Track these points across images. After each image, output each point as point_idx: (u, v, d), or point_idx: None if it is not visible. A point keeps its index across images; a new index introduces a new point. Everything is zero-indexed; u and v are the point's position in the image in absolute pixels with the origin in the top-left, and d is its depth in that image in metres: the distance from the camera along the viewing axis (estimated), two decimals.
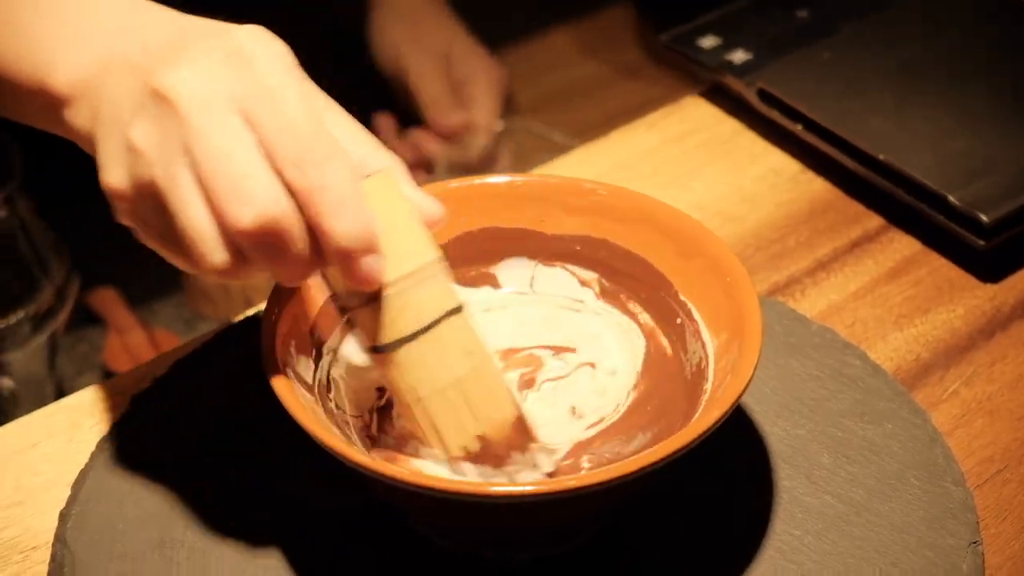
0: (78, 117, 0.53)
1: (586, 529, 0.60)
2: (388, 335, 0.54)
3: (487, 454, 0.57)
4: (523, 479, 0.58)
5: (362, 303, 0.54)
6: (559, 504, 0.52)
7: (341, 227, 0.48)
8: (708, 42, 0.96)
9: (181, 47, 0.50)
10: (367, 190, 0.50)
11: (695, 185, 0.88)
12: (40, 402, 0.71)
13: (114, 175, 0.51)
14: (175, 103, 0.48)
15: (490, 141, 1.28)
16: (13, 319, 0.88)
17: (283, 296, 0.60)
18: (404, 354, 0.55)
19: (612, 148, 0.92)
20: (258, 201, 0.47)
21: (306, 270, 0.51)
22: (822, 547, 0.60)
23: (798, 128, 0.88)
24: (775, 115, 0.90)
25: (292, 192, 0.48)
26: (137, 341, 1.10)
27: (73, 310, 0.99)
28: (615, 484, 0.50)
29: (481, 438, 0.57)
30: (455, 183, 0.69)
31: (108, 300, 1.14)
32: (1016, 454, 0.66)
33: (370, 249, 0.50)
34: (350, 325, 0.59)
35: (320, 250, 0.50)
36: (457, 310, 0.56)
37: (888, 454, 0.65)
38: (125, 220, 0.54)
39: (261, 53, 0.50)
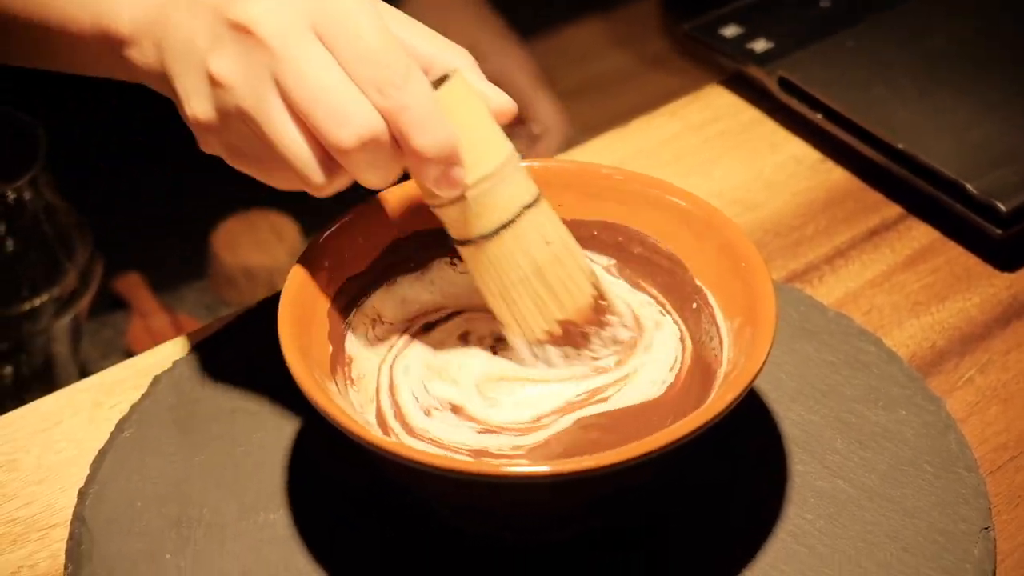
0: (143, 55, 0.55)
1: (598, 512, 0.60)
2: (473, 231, 0.58)
3: (568, 335, 0.61)
4: (604, 356, 0.62)
5: (448, 202, 0.57)
6: (568, 485, 0.53)
7: (426, 142, 0.51)
8: (730, 31, 0.96)
9: None
10: (444, 99, 0.53)
11: (715, 173, 0.88)
12: (64, 384, 0.72)
13: (200, 107, 0.53)
14: (256, 33, 0.50)
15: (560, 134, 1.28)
16: (37, 301, 0.88)
17: (302, 278, 0.60)
18: (488, 248, 0.59)
19: (633, 136, 0.92)
20: (356, 123, 0.50)
21: (396, 174, 0.55)
22: (834, 531, 0.60)
23: (818, 117, 0.88)
24: (795, 104, 0.90)
25: (377, 111, 0.51)
26: (160, 325, 1.11)
27: (97, 294, 0.99)
28: (626, 467, 0.51)
29: (562, 322, 0.60)
30: None
31: (132, 285, 1.15)
32: None
33: (453, 160, 0.53)
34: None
35: (407, 158, 0.53)
36: (534, 203, 0.59)
37: (901, 440, 0.65)
38: (212, 150, 0.56)
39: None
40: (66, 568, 0.59)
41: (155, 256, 1.15)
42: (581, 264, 0.61)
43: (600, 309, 0.62)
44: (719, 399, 0.53)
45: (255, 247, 1.15)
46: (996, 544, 0.60)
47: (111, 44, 0.57)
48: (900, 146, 0.82)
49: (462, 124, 0.54)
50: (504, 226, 0.58)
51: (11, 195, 0.86)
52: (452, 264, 0.68)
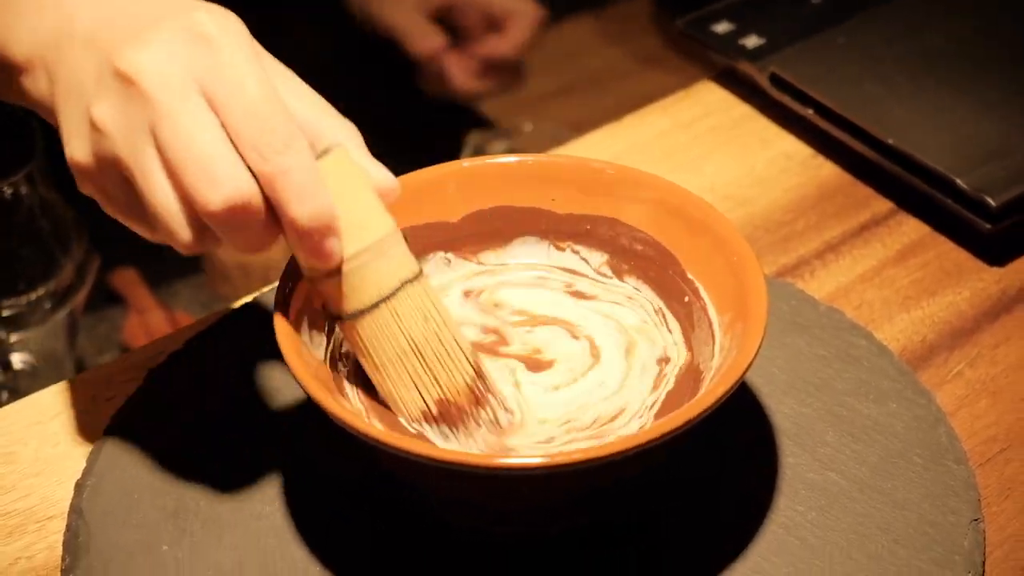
0: (35, 85, 0.55)
1: (589, 507, 0.61)
2: (350, 306, 0.57)
3: (447, 415, 0.59)
4: (480, 438, 0.60)
5: (324, 275, 0.56)
6: (560, 478, 0.53)
7: (302, 211, 0.50)
8: (722, 27, 0.97)
9: (145, 26, 0.50)
10: (324, 168, 0.52)
11: (707, 168, 0.89)
12: (59, 379, 0.73)
13: (78, 150, 0.52)
14: (139, 84, 0.49)
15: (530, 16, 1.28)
16: (33, 296, 0.89)
17: (297, 273, 0.61)
18: (365, 323, 0.57)
19: (625, 132, 0.93)
20: (227, 185, 0.49)
21: (268, 243, 0.53)
22: (825, 523, 0.60)
23: (809, 113, 0.89)
24: (787, 100, 0.91)
25: (254, 175, 0.50)
26: (156, 321, 1.11)
27: (93, 290, 1.00)
28: (618, 458, 0.51)
29: (439, 401, 0.59)
30: (467, 162, 0.70)
31: (128, 280, 1.16)
32: (1019, 434, 0.67)
33: (330, 230, 0.52)
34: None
35: (280, 225, 0.52)
36: (415, 278, 0.58)
37: (892, 433, 0.65)
38: (88, 191, 0.55)
39: (222, 33, 0.51)
40: (63, 560, 0.60)
41: (151, 252, 1.15)
42: (460, 341, 0.60)
43: (477, 389, 0.60)
44: (710, 393, 0.54)
45: None
46: (985, 535, 0.60)
47: (7, 72, 0.56)
48: (890, 141, 0.83)
49: (341, 196, 0.53)
50: (382, 301, 0.57)
51: (7, 190, 0.87)
52: (447, 261, 0.69)
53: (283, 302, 0.59)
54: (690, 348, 0.64)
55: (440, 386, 0.59)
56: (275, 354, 0.56)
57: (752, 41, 0.94)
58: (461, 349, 0.60)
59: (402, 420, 0.60)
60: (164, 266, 1.17)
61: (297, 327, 0.59)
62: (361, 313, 0.57)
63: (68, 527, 0.61)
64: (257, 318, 0.61)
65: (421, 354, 0.58)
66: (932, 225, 0.82)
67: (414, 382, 0.59)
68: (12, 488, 0.65)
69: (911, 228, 0.82)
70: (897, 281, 0.78)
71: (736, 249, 0.62)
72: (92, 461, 0.64)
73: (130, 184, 0.51)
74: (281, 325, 0.57)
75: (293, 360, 0.55)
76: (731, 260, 0.62)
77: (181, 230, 0.51)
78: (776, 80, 0.91)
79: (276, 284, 0.60)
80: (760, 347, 0.55)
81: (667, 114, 0.94)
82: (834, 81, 0.90)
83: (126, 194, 0.52)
